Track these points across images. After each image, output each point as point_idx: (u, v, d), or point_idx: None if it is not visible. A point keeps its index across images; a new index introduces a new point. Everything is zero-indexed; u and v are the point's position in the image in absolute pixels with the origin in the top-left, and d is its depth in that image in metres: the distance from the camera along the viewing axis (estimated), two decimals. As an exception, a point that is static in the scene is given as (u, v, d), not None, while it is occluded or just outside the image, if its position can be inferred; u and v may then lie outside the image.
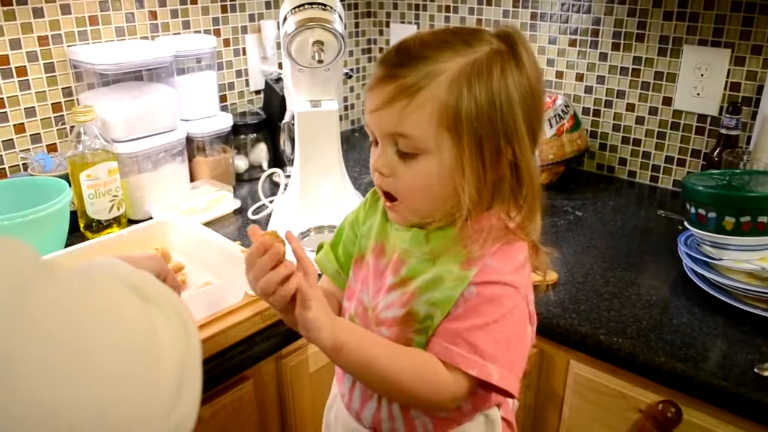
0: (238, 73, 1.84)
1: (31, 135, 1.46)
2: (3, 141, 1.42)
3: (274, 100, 1.75)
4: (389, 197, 0.80)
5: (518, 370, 0.76)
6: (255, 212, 1.50)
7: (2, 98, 1.40)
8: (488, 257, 0.77)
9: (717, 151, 1.46)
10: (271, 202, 1.51)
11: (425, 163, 0.75)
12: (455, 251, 0.77)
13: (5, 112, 1.41)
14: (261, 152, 1.75)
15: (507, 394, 0.75)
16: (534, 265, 0.82)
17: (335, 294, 0.96)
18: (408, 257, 0.82)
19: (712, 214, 1.13)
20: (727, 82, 1.50)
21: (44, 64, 1.45)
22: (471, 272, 0.76)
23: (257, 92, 1.89)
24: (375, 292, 0.85)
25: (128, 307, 0.57)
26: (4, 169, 1.43)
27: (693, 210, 1.18)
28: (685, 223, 1.21)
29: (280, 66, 1.84)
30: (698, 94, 1.55)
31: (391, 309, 0.82)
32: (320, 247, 0.98)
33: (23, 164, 1.44)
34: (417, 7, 2.01)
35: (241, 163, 1.74)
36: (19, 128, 1.44)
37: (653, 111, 1.64)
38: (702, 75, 1.53)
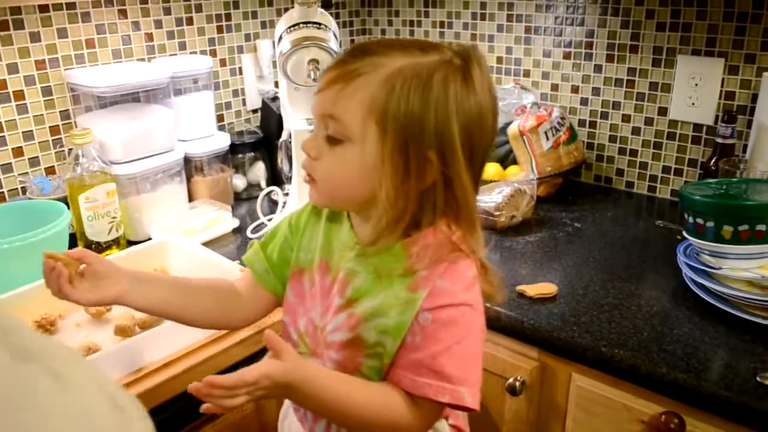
0: (235, 93, 1.85)
1: (29, 158, 1.46)
2: (1, 165, 1.42)
3: (270, 119, 1.76)
4: (310, 176, 0.80)
5: (480, 382, 0.77)
6: (254, 231, 1.50)
7: (0, 122, 1.41)
8: (437, 278, 0.75)
9: (714, 160, 1.46)
10: (269, 220, 1.51)
11: (348, 152, 0.75)
12: (399, 270, 0.76)
13: (3, 136, 1.42)
14: (259, 171, 1.76)
15: (472, 410, 0.75)
16: (483, 287, 0.80)
17: (253, 291, 0.92)
18: (353, 277, 0.81)
19: (710, 224, 1.13)
20: (721, 91, 1.51)
21: (41, 87, 1.46)
22: (419, 295, 0.75)
23: (254, 111, 1.90)
24: (323, 311, 0.84)
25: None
26: (2, 192, 1.43)
27: (691, 219, 1.18)
28: (684, 233, 1.21)
29: (276, 85, 1.85)
30: (693, 104, 1.55)
31: (339, 332, 0.81)
32: (250, 247, 0.96)
33: (22, 188, 1.45)
34: (412, 23, 2.02)
35: (240, 182, 1.74)
36: (18, 152, 1.44)
37: (649, 121, 1.64)
38: (696, 85, 1.54)
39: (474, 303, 0.77)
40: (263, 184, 1.75)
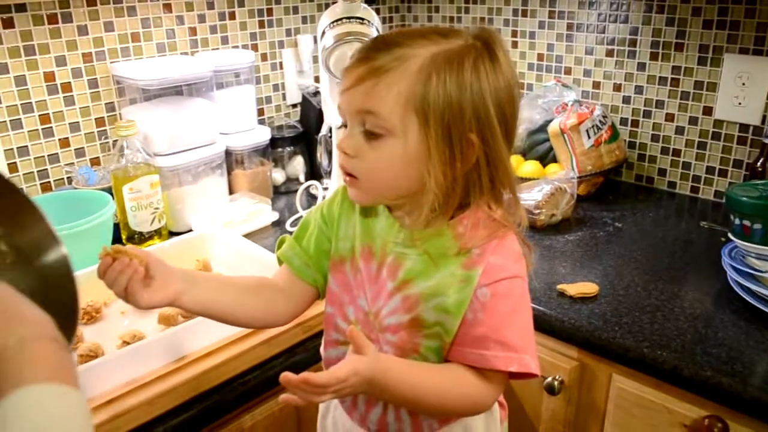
0: (275, 87, 1.86)
1: (75, 149, 1.49)
2: (48, 155, 1.46)
3: (310, 114, 1.77)
4: (351, 175, 0.80)
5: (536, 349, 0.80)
6: (293, 224, 1.51)
7: (48, 114, 1.44)
8: (489, 255, 0.78)
9: (760, 161, 1.43)
10: (308, 214, 1.52)
11: (390, 146, 0.75)
12: (453, 250, 0.78)
13: (51, 127, 1.45)
14: (298, 165, 1.77)
15: (535, 376, 0.78)
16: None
17: (294, 287, 0.91)
18: (403, 260, 0.82)
19: (757, 226, 1.11)
20: (769, 91, 1.48)
21: (88, 80, 1.48)
22: (475, 272, 0.77)
23: (294, 106, 1.91)
24: (373, 297, 0.84)
25: None
26: (49, 182, 1.47)
27: (737, 221, 1.15)
28: (729, 235, 1.19)
29: (316, 80, 1.86)
30: (740, 104, 1.52)
31: (395, 315, 0.82)
32: (281, 242, 0.95)
33: (68, 178, 1.48)
34: (452, 19, 2.01)
35: (279, 176, 1.75)
36: (64, 143, 1.47)
37: (693, 121, 1.61)
38: (744, 84, 1.50)
39: (523, 274, 0.80)
40: (302, 178, 1.76)
